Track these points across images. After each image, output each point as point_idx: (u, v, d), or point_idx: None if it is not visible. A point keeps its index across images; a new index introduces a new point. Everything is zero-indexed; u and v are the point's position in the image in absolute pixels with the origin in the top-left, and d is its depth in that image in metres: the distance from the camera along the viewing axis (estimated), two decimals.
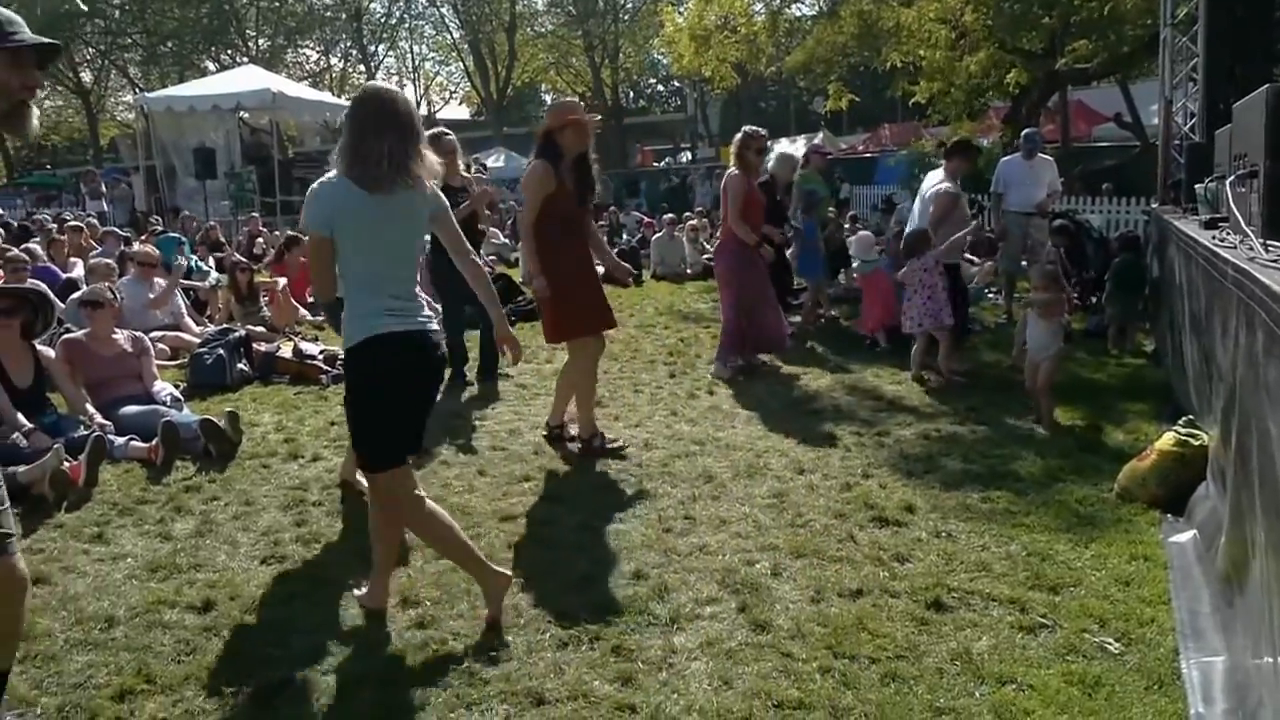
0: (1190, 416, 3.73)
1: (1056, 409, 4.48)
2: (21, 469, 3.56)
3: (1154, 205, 7.90)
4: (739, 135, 5.70)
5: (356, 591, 2.75)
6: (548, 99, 40.64)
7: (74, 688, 2.29)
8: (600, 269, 4.31)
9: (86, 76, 28.36)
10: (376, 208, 2.40)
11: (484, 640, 2.49)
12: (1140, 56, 11.16)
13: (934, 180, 6.01)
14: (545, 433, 4.31)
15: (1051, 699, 2.20)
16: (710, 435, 4.38)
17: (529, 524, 3.31)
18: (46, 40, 1.74)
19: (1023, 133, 7.72)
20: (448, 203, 2.68)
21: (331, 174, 2.45)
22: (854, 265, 7.38)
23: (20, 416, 4.01)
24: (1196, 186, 5.13)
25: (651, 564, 2.95)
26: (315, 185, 2.47)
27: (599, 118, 4.57)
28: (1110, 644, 2.44)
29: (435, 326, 2.57)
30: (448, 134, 5.10)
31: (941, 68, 11.39)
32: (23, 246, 7.40)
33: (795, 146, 19.74)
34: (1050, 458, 3.93)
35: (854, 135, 25.17)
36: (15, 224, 11.21)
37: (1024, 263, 7.33)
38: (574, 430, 4.24)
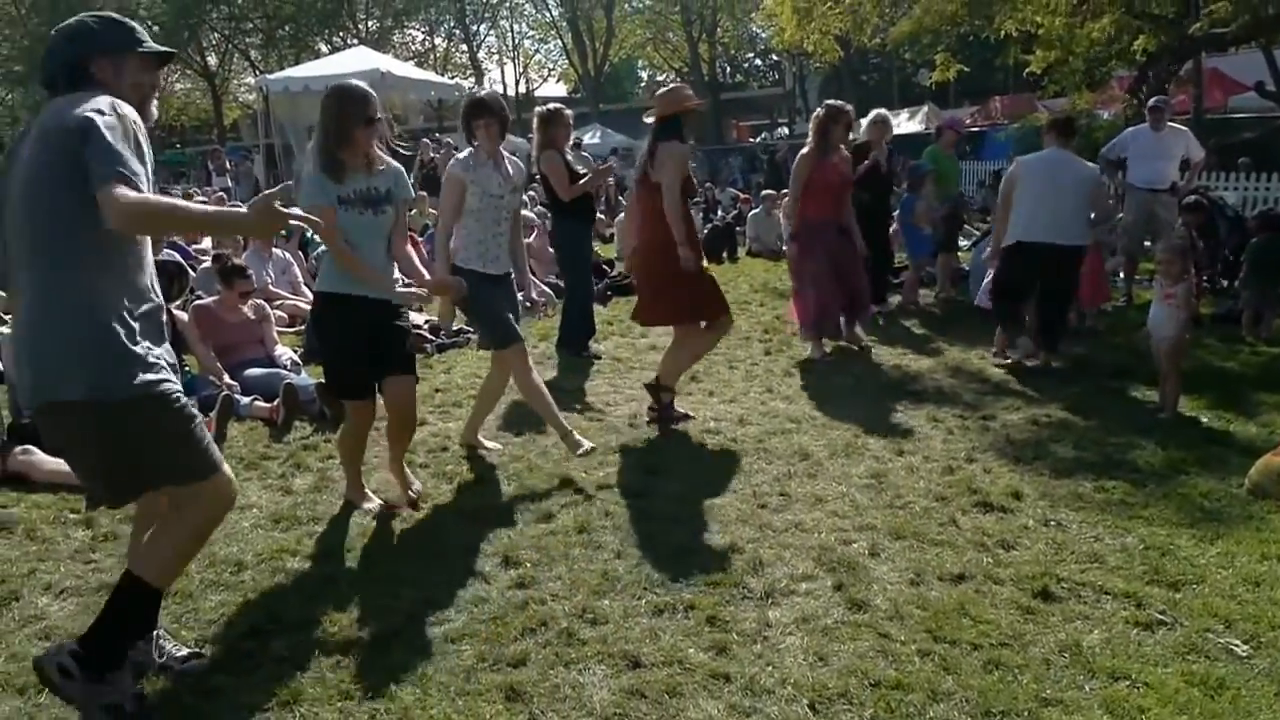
0: None
1: (1182, 397, 4.21)
2: None
3: None
4: (819, 111, 5.32)
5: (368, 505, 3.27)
6: (644, 75, 40.52)
7: (209, 624, 2.49)
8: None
9: (212, 60, 30.12)
10: None
11: (582, 603, 2.56)
12: None
13: (1075, 166, 5.04)
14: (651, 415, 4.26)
15: (1169, 698, 2.09)
16: (806, 413, 4.33)
17: (625, 494, 3.37)
18: (167, 49, 2.10)
19: (1150, 101, 7.15)
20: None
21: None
22: None
23: None
24: None
25: (746, 538, 2.96)
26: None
27: (702, 103, 4.63)
28: (1237, 646, 2.30)
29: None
30: (566, 110, 5.22)
31: (1060, 35, 10.65)
32: None
33: (898, 120, 18.99)
34: (1173, 448, 3.70)
35: (961, 108, 23.98)
36: None
37: (1147, 243, 6.85)
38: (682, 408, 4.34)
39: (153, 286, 2.05)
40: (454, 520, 3.19)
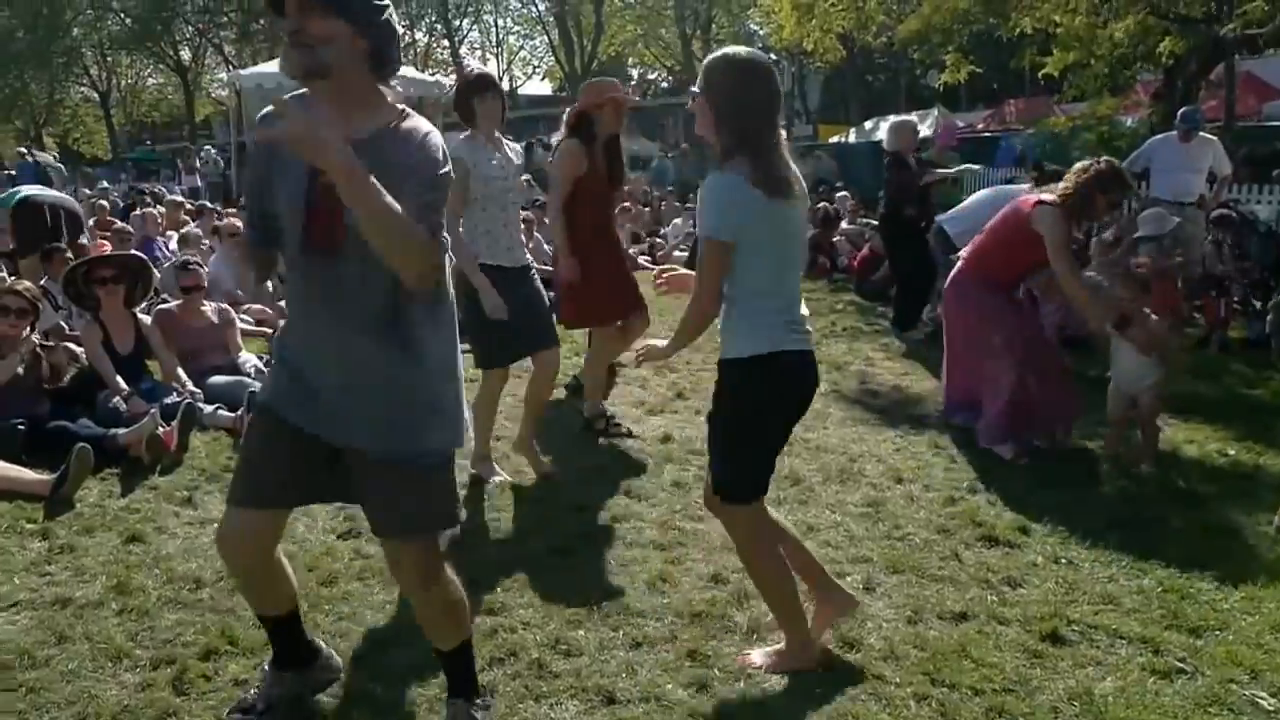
0: None
1: (1207, 428, 4.15)
2: (121, 431, 3.87)
3: None
4: (1093, 167, 3.86)
5: (756, 660, 2.39)
6: (634, 74, 40.69)
7: (164, 643, 2.47)
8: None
9: (185, 54, 30.20)
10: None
11: (555, 633, 2.52)
12: None
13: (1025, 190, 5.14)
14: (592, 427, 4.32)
15: None
16: (798, 435, 4.21)
17: (605, 517, 3.33)
18: None
19: (1180, 110, 7.13)
20: None
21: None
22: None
23: (121, 381, 4.34)
24: None
25: (732, 568, 2.90)
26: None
27: (636, 98, 4.59)
28: (1263, 699, 2.25)
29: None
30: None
31: (1080, 35, 10.67)
32: (118, 227, 8.06)
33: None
34: (1196, 482, 3.66)
35: (973, 112, 24.12)
36: (121, 203, 12.06)
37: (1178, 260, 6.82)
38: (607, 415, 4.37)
39: None
40: None
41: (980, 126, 21.32)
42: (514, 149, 3.69)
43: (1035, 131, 14.23)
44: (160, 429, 3.88)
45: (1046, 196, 3.91)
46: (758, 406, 2.26)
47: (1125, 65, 11.41)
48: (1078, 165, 3.99)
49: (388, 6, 1.78)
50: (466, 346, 6.36)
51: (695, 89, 2.28)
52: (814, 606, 2.47)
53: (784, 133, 2.25)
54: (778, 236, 2.21)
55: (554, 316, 3.86)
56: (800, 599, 2.40)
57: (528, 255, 3.68)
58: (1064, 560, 3.00)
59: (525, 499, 3.47)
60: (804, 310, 2.33)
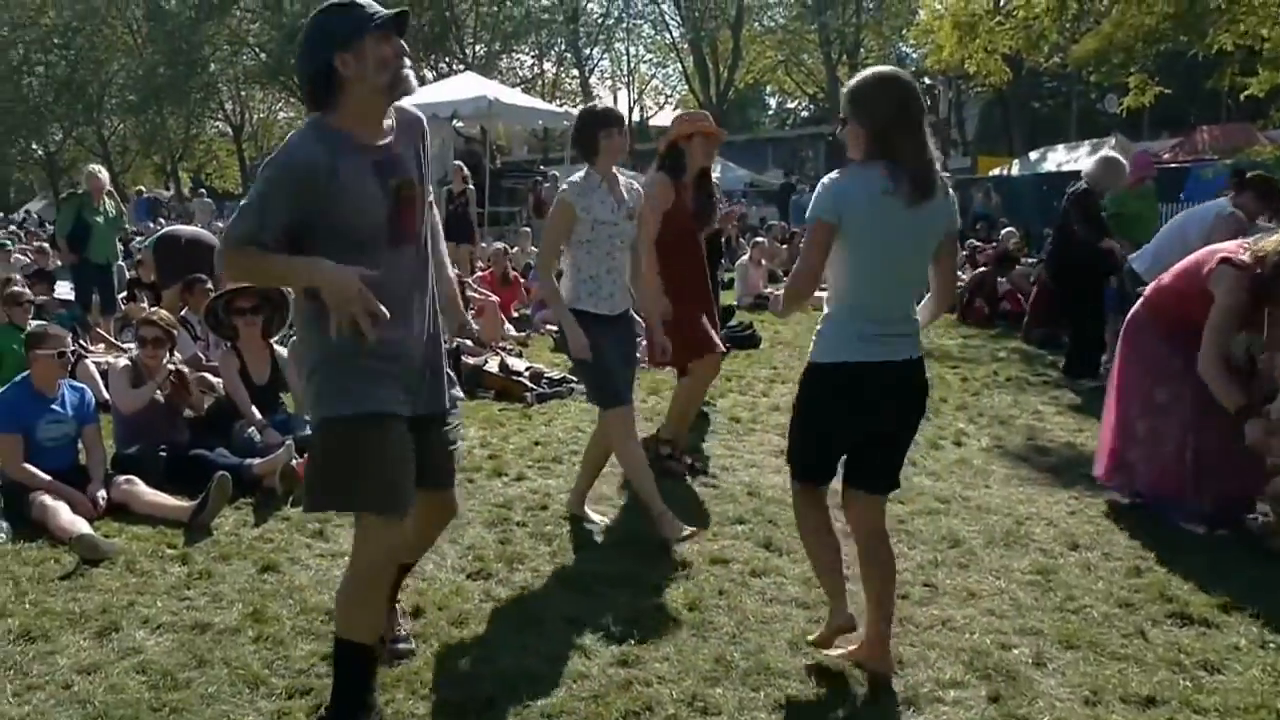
0: None
1: None
2: (256, 461, 4.26)
3: None
4: None
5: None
6: (772, 102, 41.02)
7: (299, 673, 2.71)
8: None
9: None
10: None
11: (691, 689, 2.61)
12: None
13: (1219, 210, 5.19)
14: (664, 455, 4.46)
15: None
16: (957, 493, 4.24)
17: (743, 571, 3.40)
18: (397, 10, 2.22)
19: None
20: None
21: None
22: None
23: (256, 412, 4.76)
24: None
25: None
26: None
27: (725, 132, 4.88)
28: None
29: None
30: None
31: None
32: None
33: (1076, 154, 18.29)
34: None
35: (1158, 140, 23.00)
36: None
37: None
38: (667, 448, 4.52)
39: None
40: (552, 586, 3.32)
41: (1166, 156, 20.29)
42: (632, 186, 3.73)
43: (1233, 162, 13.44)
44: (294, 460, 4.21)
45: (1243, 256, 3.58)
46: (812, 404, 2.69)
47: None
48: None
49: None
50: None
51: (843, 116, 2.59)
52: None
53: (929, 133, 2.53)
54: (888, 232, 2.49)
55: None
56: (841, 576, 2.77)
57: (629, 300, 3.75)
58: (1273, 645, 2.86)
59: (659, 549, 3.58)
60: (914, 316, 2.64)
